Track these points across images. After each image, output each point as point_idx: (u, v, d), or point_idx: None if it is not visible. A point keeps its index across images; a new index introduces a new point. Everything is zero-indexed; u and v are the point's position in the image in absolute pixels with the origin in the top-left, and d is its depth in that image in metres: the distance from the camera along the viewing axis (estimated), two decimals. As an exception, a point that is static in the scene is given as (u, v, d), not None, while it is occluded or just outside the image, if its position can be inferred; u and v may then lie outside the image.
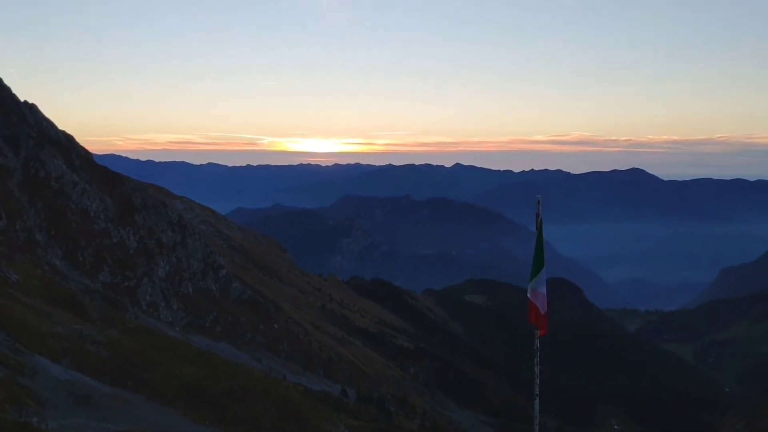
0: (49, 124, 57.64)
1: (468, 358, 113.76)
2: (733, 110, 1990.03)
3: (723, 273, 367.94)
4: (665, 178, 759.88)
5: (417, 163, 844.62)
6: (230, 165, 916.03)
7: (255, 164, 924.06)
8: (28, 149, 51.47)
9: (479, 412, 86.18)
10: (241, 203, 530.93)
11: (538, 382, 11.71)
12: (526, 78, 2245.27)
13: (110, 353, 26.19)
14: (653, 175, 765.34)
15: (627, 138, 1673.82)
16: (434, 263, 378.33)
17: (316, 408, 33.62)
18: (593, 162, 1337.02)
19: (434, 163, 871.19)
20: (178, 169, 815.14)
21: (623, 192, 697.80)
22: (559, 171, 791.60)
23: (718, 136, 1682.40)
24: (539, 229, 11.55)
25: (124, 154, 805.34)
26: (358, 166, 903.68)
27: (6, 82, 55.73)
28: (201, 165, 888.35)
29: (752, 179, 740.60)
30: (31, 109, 56.52)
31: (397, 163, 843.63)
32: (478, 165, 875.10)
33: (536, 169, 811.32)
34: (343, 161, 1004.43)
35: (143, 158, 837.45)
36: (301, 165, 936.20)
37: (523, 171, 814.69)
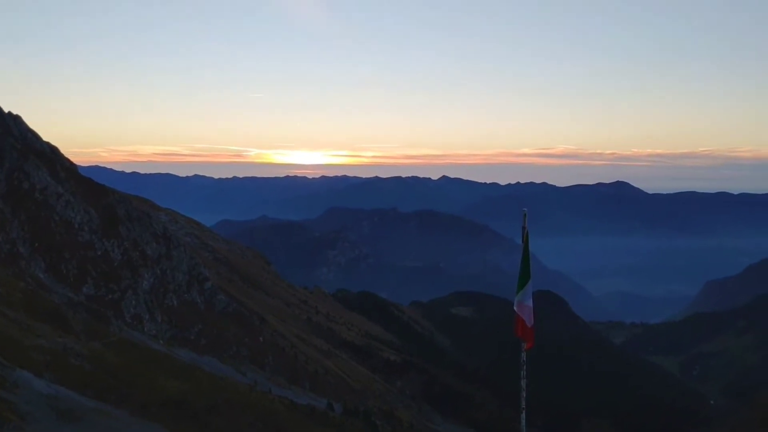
0: (34, 136, 57.24)
1: (455, 371, 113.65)
2: (716, 124, 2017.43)
3: (708, 286, 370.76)
4: (650, 191, 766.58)
5: (404, 176, 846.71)
6: (216, 177, 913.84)
7: (241, 176, 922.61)
8: (12, 161, 51.04)
9: (466, 425, 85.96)
10: (227, 215, 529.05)
11: (525, 395, 11.72)
12: (512, 91, 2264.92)
13: (93, 367, 25.89)
14: (638, 188, 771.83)
15: (612, 151, 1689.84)
16: (421, 275, 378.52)
17: (301, 422, 33.39)
18: (579, 175, 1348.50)
19: (421, 176, 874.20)
20: (164, 180, 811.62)
21: (609, 205, 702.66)
22: (545, 184, 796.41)
23: (701, 149, 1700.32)
24: (525, 242, 11.61)
25: (109, 166, 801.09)
26: (344, 178, 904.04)
27: (-10, 92, 55.19)
28: (187, 177, 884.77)
29: (736, 192, 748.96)
30: (16, 120, 56.10)
31: (383, 176, 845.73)
32: (464, 177, 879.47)
33: (522, 181, 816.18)
34: (330, 173, 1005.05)
35: (128, 170, 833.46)
36: (287, 177, 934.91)
37: (510, 184, 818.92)
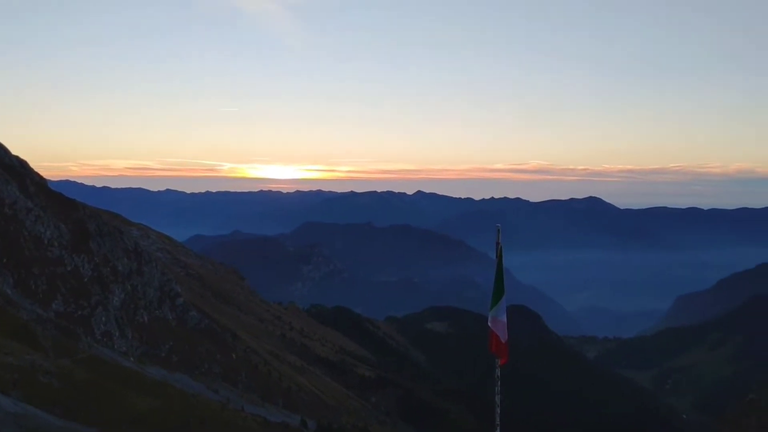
0: (3, 150, 56.28)
1: (429, 387, 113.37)
2: (686, 141, 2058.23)
3: (679, 300, 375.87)
4: (621, 207, 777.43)
5: (379, 190, 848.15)
6: (189, 191, 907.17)
7: (214, 191, 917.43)
8: (-21, 174, 50.10)
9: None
10: (200, 230, 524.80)
11: (500, 411, 11.73)
12: (486, 107, 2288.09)
13: (62, 384, 25.38)
14: (610, 204, 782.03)
15: (584, 167, 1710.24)
16: (396, 290, 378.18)
17: (275, 439, 33.01)
18: (552, 190, 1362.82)
19: (396, 191, 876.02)
20: (135, 195, 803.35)
21: (581, 220, 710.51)
22: (518, 199, 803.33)
23: (672, 165, 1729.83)
24: (499, 257, 11.66)
25: (79, 180, 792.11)
26: (319, 192, 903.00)
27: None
28: (159, 191, 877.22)
29: (706, 208, 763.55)
30: (-16, 133, 55.12)
31: (359, 190, 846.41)
32: (439, 192, 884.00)
33: (496, 197, 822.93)
34: (305, 188, 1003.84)
35: (99, 184, 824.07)
36: (261, 192, 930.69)
37: (484, 199, 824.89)
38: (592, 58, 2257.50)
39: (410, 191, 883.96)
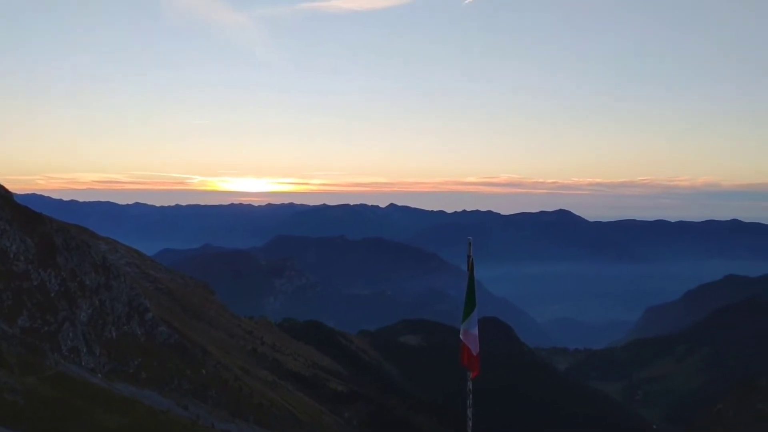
0: (-33, 162, 55.12)
1: (402, 401, 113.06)
2: (654, 154, 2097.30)
3: (648, 312, 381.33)
4: (591, 219, 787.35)
5: (352, 203, 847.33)
6: (158, 205, 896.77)
7: (184, 204, 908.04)
8: (-58, 187, 49.03)
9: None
10: (170, 244, 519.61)
11: (471, 424, 11.77)
12: (458, 121, 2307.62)
13: (28, 402, 24.81)
14: (579, 216, 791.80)
15: (554, 180, 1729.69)
16: (369, 303, 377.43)
17: (246, 456, 32.65)
18: (522, 203, 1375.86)
19: (369, 203, 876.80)
20: (104, 209, 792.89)
21: (551, 232, 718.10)
22: (490, 212, 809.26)
23: (640, 179, 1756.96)
24: (471, 270, 11.74)
25: (46, 194, 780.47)
26: (291, 206, 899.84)
27: None
28: (127, 205, 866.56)
29: (673, 221, 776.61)
30: (-53, 145, 54.04)
31: (331, 203, 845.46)
32: (412, 205, 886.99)
33: (468, 209, 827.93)
34: (277, 201, 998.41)
35: (67, 198, 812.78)
36: (232, 205, 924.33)
37: (456, 211, 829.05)
38: (560, 74, 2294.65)
39: (383, 204, 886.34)
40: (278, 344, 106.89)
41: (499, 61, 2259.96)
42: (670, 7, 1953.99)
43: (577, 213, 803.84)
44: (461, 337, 11.63)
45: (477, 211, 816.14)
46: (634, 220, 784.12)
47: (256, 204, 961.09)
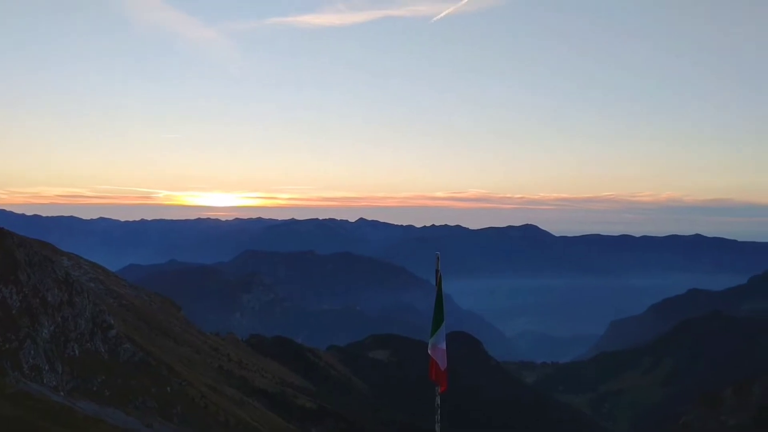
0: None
1: (371, 417, 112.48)
2: (618, 170, 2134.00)
3: (613, 325, 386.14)
4: (557, 234, 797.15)
5: (321, 218, 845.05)
6: (123, 219, 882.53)
7: (149, 219, 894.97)
8: None
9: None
10: (135, 259, 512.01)
11: (440, 439, 11.73)
12: (426, 135, 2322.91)
13: (-17, 424, 24.11)
14: (546, 231, 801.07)
15: (521, 195, 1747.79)
16: (338, 318, 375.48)
17: (212, 475, 32.12)
18: (490, 218, 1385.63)
19: (338, 218, 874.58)
20: (68, 223, 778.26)
21: (519, 247, 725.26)
22: (458, 226, 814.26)
23: (604, 194, 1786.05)
24: (439, 285, 11.77)
25: (8, 209, 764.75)
26: (260, 220, 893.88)
27: None
28: (91, 219, 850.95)
29: (637, 235, 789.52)
30: None
31: (300, 218, 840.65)
32: (381, 220, 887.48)
33: (437, 224, 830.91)
34: (244, 215, 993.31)
35: (30, 212, 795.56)
36: (199, 219, 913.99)
37: (425, 226, 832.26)
38: (527, 91, 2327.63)
39: (352, 218, 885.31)
40: (245, 361, 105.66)
41: (466, 77, 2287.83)
42: (634, 25, 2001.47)
43: (543, 228, 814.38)
44: (429, 352, 11.64)
45: (446, 225, 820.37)
46: (600, 235, 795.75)
47: (223, 218, 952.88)
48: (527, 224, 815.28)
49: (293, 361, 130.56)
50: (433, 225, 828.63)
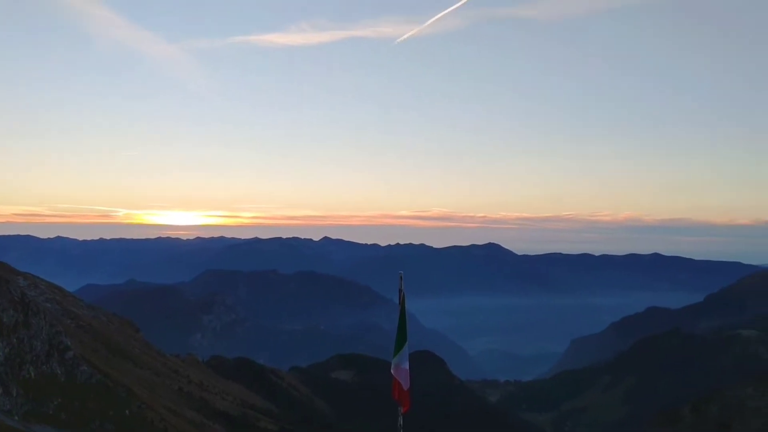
0: None
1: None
2: (577, 190, 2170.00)
3: (574, 343, 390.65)
4: (519, 253, 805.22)
5: (284, 237, 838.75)
6: (81, 239, 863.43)
7: (108, 238, 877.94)
8: None
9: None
10: (93, 279, 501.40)
11: (402, 459, 11.79)
12: (391, 154, 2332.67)
13: (-67, 451, 23.39)
14: (508, 250, 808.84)
15: (483, 215, 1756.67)
16: (302, 338, 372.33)
17: (172, 500, 31.50)
18: (453, 237, 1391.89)
19: (302, 237, 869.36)
20: (24, 243, 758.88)
21: (482, 265, 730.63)
22: (422, 245, 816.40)
23: (564, 213, 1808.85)
24: (402, 304, 11.90)
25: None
26: (222, 239, 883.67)
27: None
28: (49, 239, 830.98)
29: (597, 254, 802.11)
30: None
31: (263, 237, 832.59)
32: (346, 238, 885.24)
33: (401, 243, 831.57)
34: (206, 234, 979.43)
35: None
36: (159, 238, 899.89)
37: (390, 245, 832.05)
38: (489, 112, 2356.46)
39: (316, 237, 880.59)
40: (206, 383, 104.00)
41: (429, 99, 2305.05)
42: (593, 47, 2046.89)
43: (506, 247, 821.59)
44: (392, 371, 11.72)
45: (410, 244, 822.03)
46: (560, 254, 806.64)
47: (184, 237, 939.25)
48: (490, 243, 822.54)
49: (255, 382, 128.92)
50: (397, 244, 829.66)
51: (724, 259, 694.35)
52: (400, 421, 11.61)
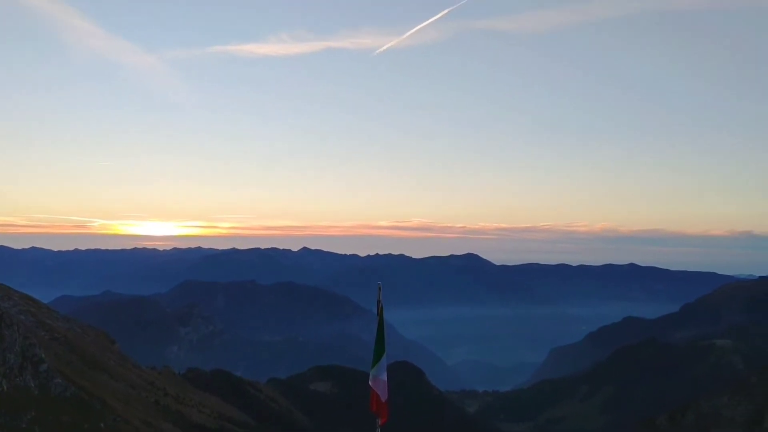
0: None
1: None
2: (554, 201, 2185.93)
3: (552, 353, 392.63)
4: (497, 263, 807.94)
5: (263, 247, 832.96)
6: (56, 249, 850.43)
7: (83, 248, 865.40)
8: None
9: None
10: (67, 290, 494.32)
11: (381, 471, 11.78)
12: (370, 165, 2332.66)
13: None
14: (486, 260, 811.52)
15: (462, 225, 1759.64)
16: (280, 350, 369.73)
17: None
18: (433, 247, 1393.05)
19: (281, 247, 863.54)
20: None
21: (460, 276, 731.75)
22: (402, 255, 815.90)
23: (542, 224, 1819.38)
24: (380, 316, 11.92)
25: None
26: (199, 250, 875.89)
27: None
28: (23, 249, 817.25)
29: (574, 264, 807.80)
30: None
31: (241, 247, 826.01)
32: (325, 249, 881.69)
33: (381, 253, 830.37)
34: (183, 245, 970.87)
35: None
36: (135, 249, 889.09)
37: (369, 255, 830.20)
38: (467, 124, 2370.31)
39: (295, 248, 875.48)
40: (182, 395, 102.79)
41: (408, 109, 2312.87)
42: (569, 58, 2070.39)
43: (484, 257, 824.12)
44: (370, 383, 11.73)
45: (389, 254, 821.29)
46: (538, 264, 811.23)
47: (161, 248, 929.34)
48: (469, 253, 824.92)
49: (232, 394, 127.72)
50: (377, 254, 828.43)
51: (699, 270, 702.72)
52: (378, 432, 11.61)
